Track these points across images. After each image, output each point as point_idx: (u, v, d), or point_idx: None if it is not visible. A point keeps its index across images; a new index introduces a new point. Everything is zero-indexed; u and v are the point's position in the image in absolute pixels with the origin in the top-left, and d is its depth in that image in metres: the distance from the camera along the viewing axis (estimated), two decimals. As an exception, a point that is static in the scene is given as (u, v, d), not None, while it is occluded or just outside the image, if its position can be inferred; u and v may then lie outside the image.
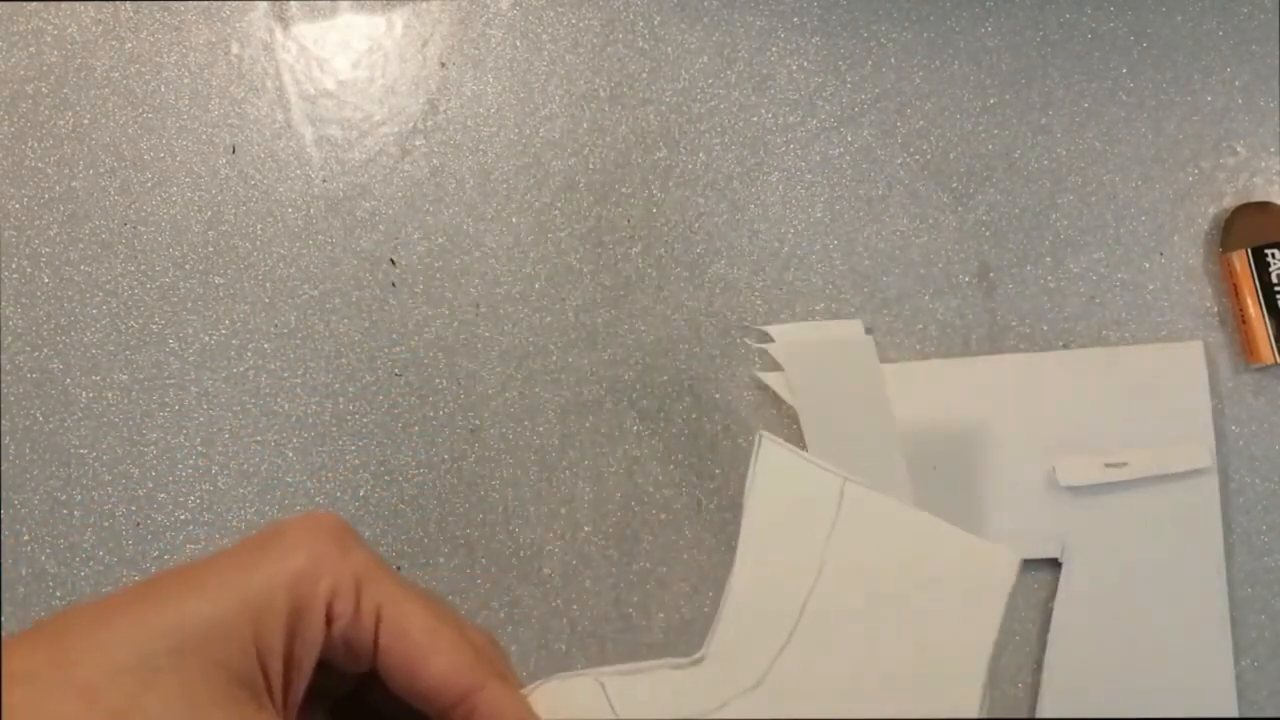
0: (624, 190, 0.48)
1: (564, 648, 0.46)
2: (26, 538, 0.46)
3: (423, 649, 0.24)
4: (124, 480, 0.46)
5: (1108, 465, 0.45)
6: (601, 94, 0.49)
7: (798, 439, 0.46)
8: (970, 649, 0.31)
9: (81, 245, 0.48)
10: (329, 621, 0.24)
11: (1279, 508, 0.46)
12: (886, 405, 0.44)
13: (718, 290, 0.48)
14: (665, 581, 0.46)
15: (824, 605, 0.31)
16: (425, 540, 0.46)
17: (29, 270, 0.48)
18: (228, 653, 0.21)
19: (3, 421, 0.47)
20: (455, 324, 0.47)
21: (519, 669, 0.46)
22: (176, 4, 0.49)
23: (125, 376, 0.47)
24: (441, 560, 0.46)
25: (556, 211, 0.48)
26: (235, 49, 0.49)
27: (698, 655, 0.31)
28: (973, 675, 0.30)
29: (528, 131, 0.48)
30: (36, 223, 0.48)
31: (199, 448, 0.47)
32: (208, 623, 0.22)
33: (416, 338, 0.47)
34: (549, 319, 0.48)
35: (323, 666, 0.24)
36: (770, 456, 0.32)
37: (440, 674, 0.24)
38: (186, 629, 0.21)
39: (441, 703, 0.25)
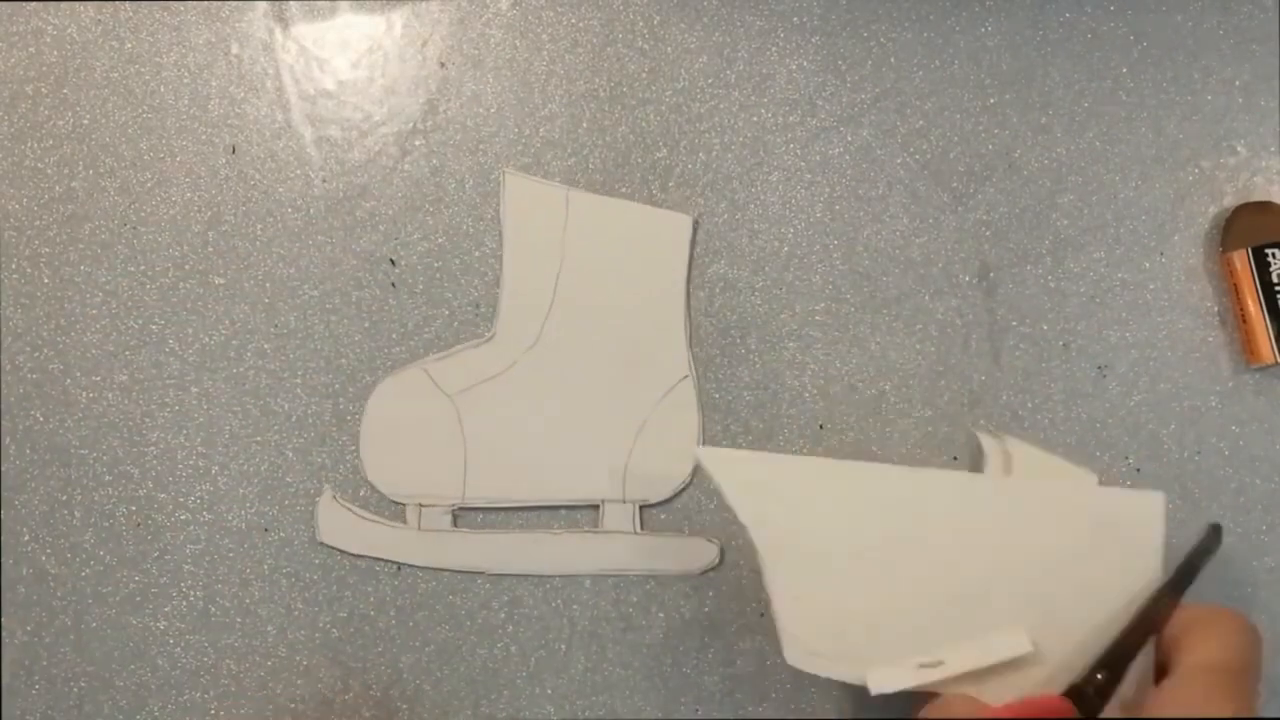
0: (624, 190, 0.48)
1: (564, 648, 0.46)
2: (26, 538, 0.46)
3: None
4: (124, 480, 0.47)
5: (921, 666, 0.38)
6: (601, 94, 0.49)
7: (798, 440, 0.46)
8: (668, 285, 0.46)
9: (81, 245, 0.48)
10: None
11: (1279, 508, 0.46)
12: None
13: (718, 290, 0.48)
14: (665, 581, 0.46)
15: (570, 280, 0.46)
16: (425, 540, 0.46)
17: (29, 270, 0.48)
18: None
19: (3, 421, 0.47)
20: (455, 324, 0.47)
21: (519, 669, 0.46)
22: (176, 4, 0.49)
23: (125, 376, 0.47)
24: (441, 560, 0.46)
25: (556, 211, 0.48)
26: (235, 49, 0.49)
27: (489, 334, 0.46)
28: (675, 302, 0.46)
29: (528, 131, 0.48)
30: (36, 223, 0.48)
31: (199, 448, 0.47)
32: None
33: (416, 338, 0.47)
34: (549, 319, 0.48)
35: None
36: (512, 185, 0.47)
37: None
38: None
39: None
